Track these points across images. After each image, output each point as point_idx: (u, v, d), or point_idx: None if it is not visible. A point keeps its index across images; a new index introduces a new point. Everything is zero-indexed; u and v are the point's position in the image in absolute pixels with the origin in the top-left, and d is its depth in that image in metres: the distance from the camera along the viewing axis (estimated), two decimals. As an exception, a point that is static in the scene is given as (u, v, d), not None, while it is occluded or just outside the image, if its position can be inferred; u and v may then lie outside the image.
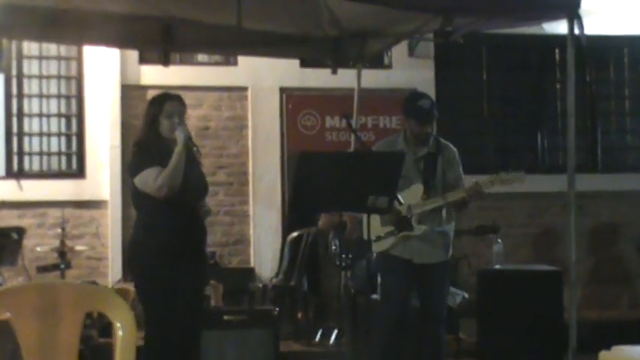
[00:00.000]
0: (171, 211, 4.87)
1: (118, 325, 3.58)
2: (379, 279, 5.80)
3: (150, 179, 4.82)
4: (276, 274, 8.55)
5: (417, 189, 5.52)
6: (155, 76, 8.26)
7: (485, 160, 9.36)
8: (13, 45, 8.52)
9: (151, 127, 4.99)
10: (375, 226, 5.48)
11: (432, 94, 8.10)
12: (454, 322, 7.36)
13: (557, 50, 9.75)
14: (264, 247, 8.96)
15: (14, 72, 8.62)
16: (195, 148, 4.96)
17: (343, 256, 6.93)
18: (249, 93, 9.06)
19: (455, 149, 5.72)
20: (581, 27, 4.60)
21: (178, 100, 5.07)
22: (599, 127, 10.00)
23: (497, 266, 7.17)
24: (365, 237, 5.44)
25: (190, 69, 8.84)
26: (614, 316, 8.84)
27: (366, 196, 4.84)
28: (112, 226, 8.45)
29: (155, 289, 4.88)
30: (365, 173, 4.87)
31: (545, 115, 9.91)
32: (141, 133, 5.09)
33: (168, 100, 5.02)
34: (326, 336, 7.86)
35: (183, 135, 4.87)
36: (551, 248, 9.10)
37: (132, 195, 5.07)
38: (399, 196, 5.32)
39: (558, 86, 9.83)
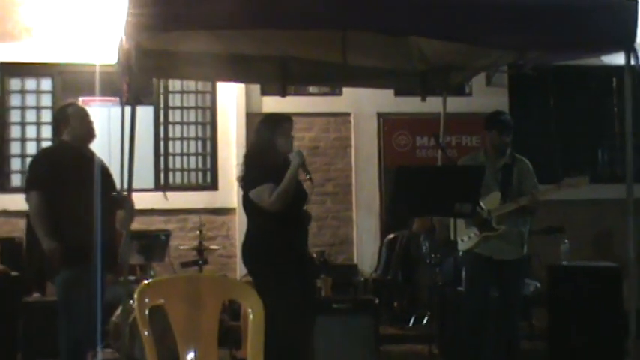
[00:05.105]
0: (280, 220, 4.71)
1: (250, 310, 3.64)
2: (464, 273, 5.74)
3: (265, 195, 4.67)
4: (376, 270, 8.53)
5: (496, 196, 5.47)
6: (274, 104, 8.27)
7: (553, 172, 9.08)
8: (161, 82, 8.76)
9: (266, 143, 4.84)
10: (460, 228, 5.45)
11: (506, 117, 7.97)
12: (528, 310, 7.24)
13: (614, 78, 9.50)
14: (365, 246, 8.94)
15: (161, 104, 8.85)
16: (308, 176, 4.75)
17: (432, 255, 6.92)
18: (351, 118, 9.08)
19: (528, 162, 5.66)
20: (636, 58, 4.47)
21: (291, 122, 4.99)
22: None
23: (565, 262, 7.01)
24: (452, 238, 5.41)
25: (303, 98, 8.88)
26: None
27: (453, 203, 4.82)
28: (239, 229, 8.48)
29: (266, 289, 4.45)
30: (452, 184, 4.87)
31: (605, 134, 9.67)
32: (254, 148, 4.97)
33: (286, 121, 4.93)
34: (418, 321, 7.80)
35: (299, 160, 4.71)
36: (611, 248, 8.81)
37: (244, 204, 4.91)
38: (481, 203, 5.29)
39: (616, 109, 9.59)
